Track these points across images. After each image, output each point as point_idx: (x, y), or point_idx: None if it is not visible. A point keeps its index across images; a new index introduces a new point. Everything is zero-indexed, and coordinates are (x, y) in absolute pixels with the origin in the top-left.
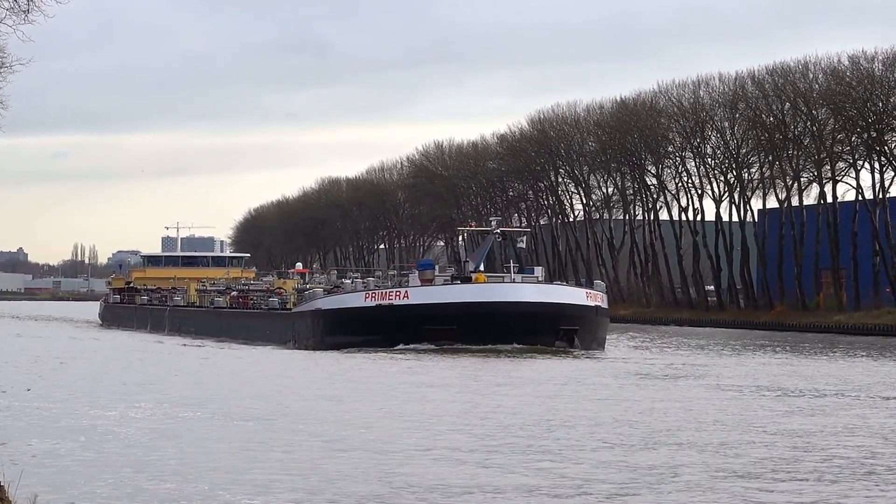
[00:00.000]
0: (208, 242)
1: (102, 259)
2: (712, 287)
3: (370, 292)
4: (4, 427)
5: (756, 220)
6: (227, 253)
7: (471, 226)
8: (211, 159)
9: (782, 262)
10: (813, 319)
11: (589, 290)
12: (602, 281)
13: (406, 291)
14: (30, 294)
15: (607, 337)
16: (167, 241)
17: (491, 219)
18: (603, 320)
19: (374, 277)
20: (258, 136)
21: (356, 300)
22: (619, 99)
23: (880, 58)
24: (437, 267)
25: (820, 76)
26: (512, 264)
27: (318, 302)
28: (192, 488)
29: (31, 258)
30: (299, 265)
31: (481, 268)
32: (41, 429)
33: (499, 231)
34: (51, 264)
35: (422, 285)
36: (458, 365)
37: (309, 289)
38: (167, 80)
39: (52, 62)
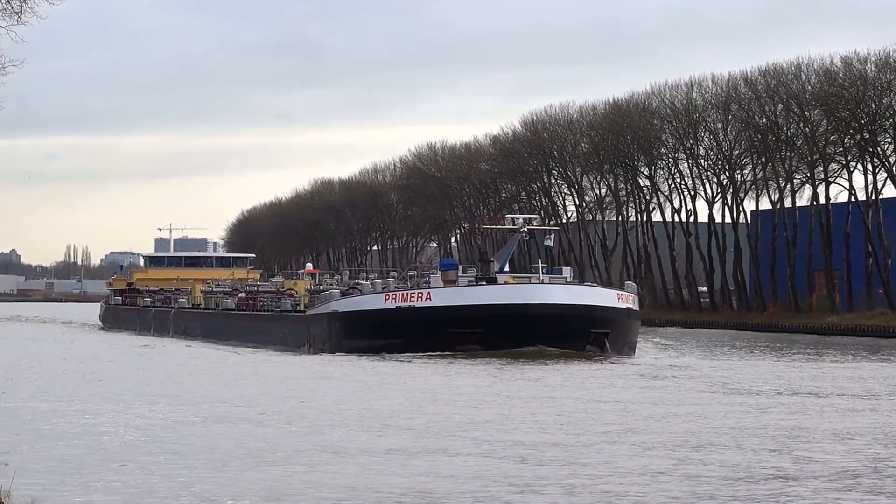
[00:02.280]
0: (201, 243)
1: (95, 260)
2: (705, 288)
3: (390, 294)
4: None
5: (749, 221)
6: (232, 253)
7: (497, 223)
8: (203, 160)
9: (775, 263)
10: (806, 321)
11: (620, 292)
12: (633, 282)
13: (428, 293)
14: (23, 295)
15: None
16: (160, 243)
17: (517, 216)
18: (634, 323)
19: (392, 278)
20: (250, 137)
21: (375, 302)
22: (611, 100)
23: (873, 59)
24: (460, 267)
25: (812, 77)
26: (540, 264)
27: (334, 304)
28: (188, 490)
29: (24, 259)
30: (309, 265)
31: (506, 268)
32: (38, 430)
33: (525, 229)
34: (44, 266)
35: (445, 286)
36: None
37: (323, 290)
38: (159, 81)
39: (45, 63)
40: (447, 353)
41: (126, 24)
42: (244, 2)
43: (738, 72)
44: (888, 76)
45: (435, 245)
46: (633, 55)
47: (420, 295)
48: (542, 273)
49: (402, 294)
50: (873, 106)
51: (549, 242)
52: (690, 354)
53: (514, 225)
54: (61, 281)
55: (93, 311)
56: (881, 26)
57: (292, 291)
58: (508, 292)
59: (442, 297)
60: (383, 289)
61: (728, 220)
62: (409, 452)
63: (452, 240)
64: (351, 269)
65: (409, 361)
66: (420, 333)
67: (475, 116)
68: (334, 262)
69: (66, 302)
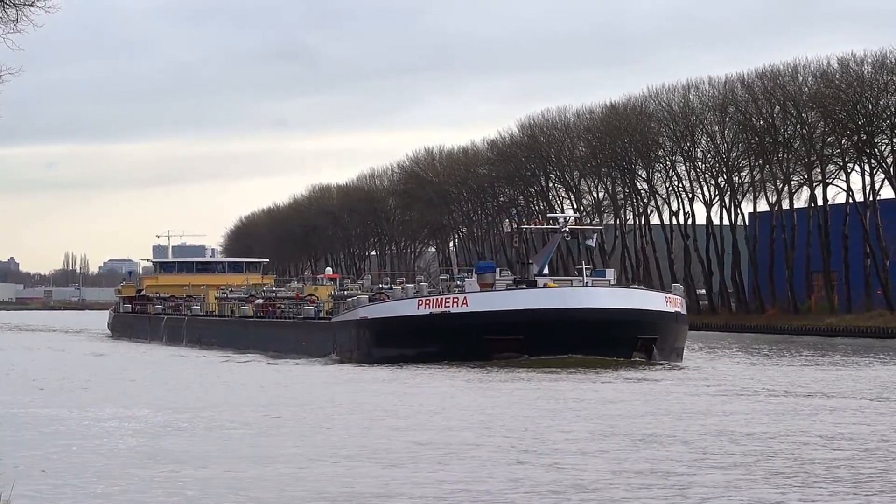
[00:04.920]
0: (200, 250)
1: (94, 268)
2: (703, 291)
3: (423, 299)
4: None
5: (747, 223)
6: (244, 258)
7: (537, 223)
8: (201, 167)
9: (773, 265)
10: (805, 322)
11: (667, 295)
12: (680, 284)
13: (464, 298)
14: (21, 303)
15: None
16: (158, 249)
17: (558, 215)
18: (682, 328)
19: (425, 282)
20: (249, 143)
21: (407, 308)
22: (608, 104)
23: (869, 60)
24: (498, 271)
25: (809, 79)
26: (584, 266)
27: (362, 310)
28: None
29: (22, 267)
30: (329, 270)
31: (546, 270)
32: (43, 438)
33: (567, 229)
34: (42, 273)
35: (481, 291)
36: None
37: (348, 295)
38: (157, 89)
39: (43, 72)
40: (485, 361)
41: (123, 33)
42: (241, 10)
43: (734, 74)
44: (885, 77)
45: (433, 250)
46: (629, 60)
47: (455, 300)
48: (586, 275)
49: (436, 299)
50: (870, 107)
51: (592, 243)
52: (743, 360)
53: (555, 224)
54: (60, 289)
55: (93, 318)
56: (879, 27)
57: (314, 297)
58: (550, 296)
59: (479, 302)
60: (416, 293)
61: (726, 222)
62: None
63: (451, 244)
64: (373, 274)
65: (447, 370)
66: (456, 341)
67: (473, 122)
68: (333, 268)
69: (64, 310)
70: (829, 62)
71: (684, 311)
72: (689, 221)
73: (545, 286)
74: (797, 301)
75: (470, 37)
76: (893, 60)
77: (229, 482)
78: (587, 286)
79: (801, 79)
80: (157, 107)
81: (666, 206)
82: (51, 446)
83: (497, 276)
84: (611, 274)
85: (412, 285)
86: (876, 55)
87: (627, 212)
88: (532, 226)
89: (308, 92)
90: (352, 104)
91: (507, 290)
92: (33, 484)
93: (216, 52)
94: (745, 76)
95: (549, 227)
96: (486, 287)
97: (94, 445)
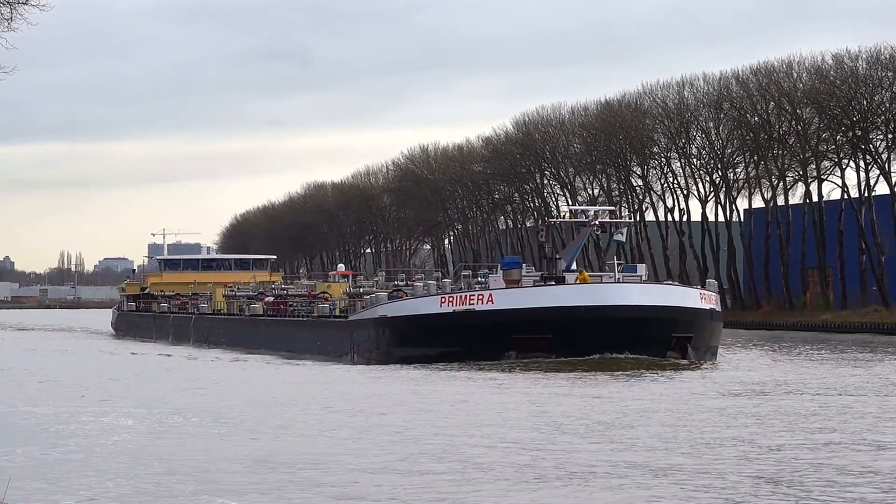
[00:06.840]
0: (195, 248)
1: (89, 267)
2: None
3: (446, 296)
4: None
5: (742, 219)
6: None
7: (565, 217)
8: (197, 166)
9: (769, 261)
10: (800, 318)
11: (702, 291)
12: (714, 280)
13: (489, 295)
14: (17, 302)
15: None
16: (154, 248)
17: (587, 208)
18: (717, 326)
19: (448, 279)
20: (243, 142)
21: (429, 306)
22: (603, 100)
23: (864, 56)
24: (524, 266)
25: (804, 75)
26: (615, 261)
27: (381, 308)
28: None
29: (18, 266)
30: (342, 267)
31: (574, 265)
32: (42, 437)
33: (597, 223)
34: (37, 272)
35: (507, 287)
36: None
37: (364, 293)
38: (152, 88)
39: (39, 72)
40: (513, 361)
41: (118, 32)
42: (235, 10)
43: (729, 70)
44: (879, 73)
45: (428, 247)
46: (623, 58)
47: (480, 297)
48: (617, 271)
49: (460, 296)
50: (865, 103)
51: (622, 237)
52: (774, 358)
53: (583, 218)
54: (55, 287)
55: (91, 317)
56: (877, 24)
57: (327, 295)
58: (580, 293)
59: (505, 299)
60: (438, 291)
61: (721, 218)
62: None
63: (446, 242)
64: (387, 271)
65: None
66: (481, 340)
67: (467, 119)
68: (328, 266)
69: (60, 308)
70: (823, 58)
71: (719, 308)
72: (685, 218)
73: (576, 280)
74: (793, 297)
75: (464, 35)
76: (888, 56)
77: (231, 483)
78: (619, 282)
79: (795, 75)
80: (152, 106)
81: (661, 203)
82: (51, 446)
83: (524, 272)
84: (642, 269)
85: (434, 282)
86: (870, 51)
87: (622, 208)
88: (560, 220)
89: (302, 90)
90: (346, 102)
91: (534, 286)
92: (30, 483)
93: (211, 51)
94: (740, 72)
95: (577, 220)
96: (513, 283)
97: (95, 445)
